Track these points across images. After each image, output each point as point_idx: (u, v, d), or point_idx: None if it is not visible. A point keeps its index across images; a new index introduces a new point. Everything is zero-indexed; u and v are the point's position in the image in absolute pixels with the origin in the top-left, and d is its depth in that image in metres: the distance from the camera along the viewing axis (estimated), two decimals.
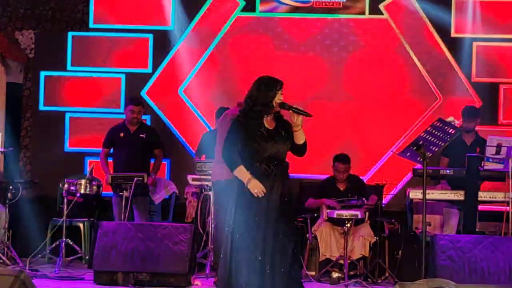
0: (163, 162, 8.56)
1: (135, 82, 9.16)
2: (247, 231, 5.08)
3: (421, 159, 6.01)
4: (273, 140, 5.17)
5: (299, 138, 5.23)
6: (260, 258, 5.04)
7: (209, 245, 7.20)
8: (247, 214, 5.11)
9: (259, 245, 5.06)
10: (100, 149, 8.24)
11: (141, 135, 8.04)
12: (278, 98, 5.20)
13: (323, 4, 9.06)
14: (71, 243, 7.91)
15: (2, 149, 8.22)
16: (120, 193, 7.55)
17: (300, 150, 5.30)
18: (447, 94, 8.89)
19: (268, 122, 5.23)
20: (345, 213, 7.36)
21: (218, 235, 6.84)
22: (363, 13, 9.02)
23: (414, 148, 6.05)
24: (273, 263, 5.05)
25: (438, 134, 6.06)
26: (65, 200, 7.73)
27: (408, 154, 6.25)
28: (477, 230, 7.32)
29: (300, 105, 5.24)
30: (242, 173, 5.12)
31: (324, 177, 8.13)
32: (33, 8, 9.37)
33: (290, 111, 5.15)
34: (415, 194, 7.19)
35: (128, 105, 8.08)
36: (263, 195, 5.07)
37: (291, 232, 5.18)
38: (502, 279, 6.26)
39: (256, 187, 5.07)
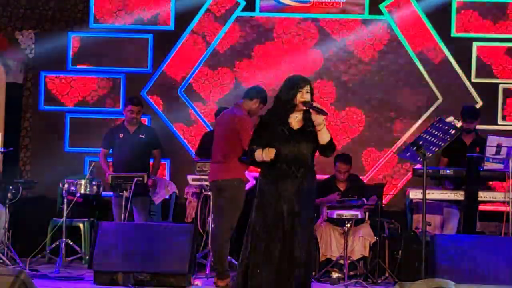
0: (163, 162, 8.57)
1: (135, 82, 9.16)
2: (265, 232, 5.07)
3: (421, 159, 6.01)
4: (294, 140, 5.13)
5: (323, 137, 5.16)
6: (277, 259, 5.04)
7: (209, 245, 7.19)
8: (265, 215, 5.09)
9: (276, 246, 5.04)
10: (99, 149, 8.25)
11: (140, 136, 8.04)
12: (302, 97, 5.15)
13: (323, 4, 9.06)
14: (71, 243, 7.92)
15: (2, 149, 8.22)
16: (120, 193, 7.55)
17: (325, 150, 5.23)
18: (447, 94, 8.89)
19: (295, 122, 5.19)
20: (345, 213, 7.36)
21: (215, 235, 6.83)
22: (363, 13, 9.02)
23: (414, 148, 6.05)
24: (283, 267, 5.04)
25: (438, 134, 6.05)
26: (65, 200, 7.73)
27: (408, 154, 6.25)
28: (477, 230, 7.32)
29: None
30: (257, 153, 5.11)
31: (324, 177, 8.13)
32: (33, 8, 9.36)
33: (311, 110, 5.13)
34: (415, 194, 7.19)
35: (127, 105, 8.07)
36: (273, 156, 5.04)
37: (303, 236, 5.09)
38: (502, 279, 6.26)
39: (267, 152, 5.04)
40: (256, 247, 5.08)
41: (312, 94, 5.22)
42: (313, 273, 7.51)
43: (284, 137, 5.11)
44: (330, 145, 5.22)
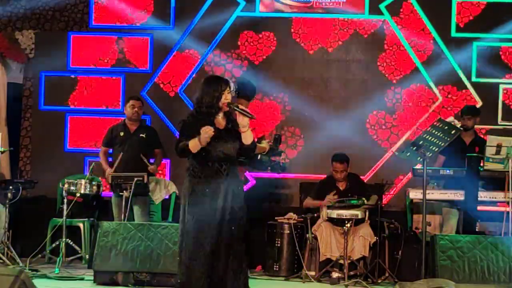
0: (163, 162, 8.56)
1: (135, 82, 9.16)
2: (198, 229, 5.10)
3: (421, 159, 6.01)
4: (223, 140, 5.18)
5: (247, 139, 5.21)
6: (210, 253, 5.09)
7: None
8: (198, 212, 5.13)
9: (210, 241, 5.09)
10: (99, 149, 8.26)
11: (140, 135, 8.04)
12: (225, 98, 5.20)
13: (323, 4, 9.06)
14: (71, 243, 7.92)
15: (2, 149, 8.22)
16: (120, 193, 7.55)
17: (247, 151, 5.29)
18: (447, 94, 8.89)
19: (218, 122, 5.24)
20: (345, 213, 7.36)
21: None
22: (363, 13, 9.02)
23: (414, 148, 6.05)
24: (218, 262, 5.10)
25: (438, 134, 6.06)
26: (65, 200, 7.73)
27: (408, 154, 6.25)
28: (477, 230, 7.33)
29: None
30: (193, 141, 5.09)
31: (324, 177, 8.13)
32: (33, 8, 9.36)
33: (236, 112, 5.15)
34: (415, 194, 7.19)
35: (128, 101, 8.09)
36: (213, 131, 5.05)
37: (239, 230, 5.18)
38: (502, 279, 6.26)
39: (206, 130, 5.04)
40: (192, 246, 5.11)
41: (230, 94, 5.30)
42: (313, 273, 7.53)
43: (214, 137, 5.13)
44: (253, 147, 5.29)
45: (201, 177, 5.20)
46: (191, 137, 5.13)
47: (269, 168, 7.21)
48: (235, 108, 5.16)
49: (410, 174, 8.19)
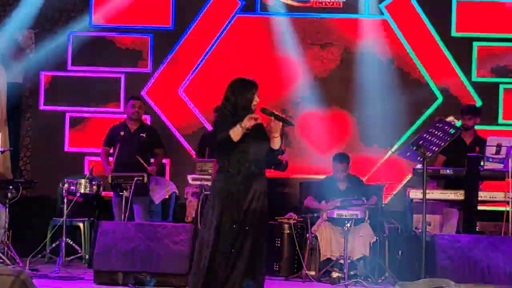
0: (162, 161, 8.56)
1: (135, 82, 9.16)
2: (230, 228, 5.08)
3: (421, 159, 6.01)
4: (257, 142, 5.17)
5: (276, 144, 5.20)
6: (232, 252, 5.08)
7: None
8: (231, 211, 5.10)
9: (241, 240, 5.08)
10: (100, 149, 8.25)
11: (141, 135, 8.04)
12: (256, 101, 5.19)
13: (323, 4, 9.06)
14: (71, 243, 7.92)
15: (2, 149, 8.23)
16: (120, 193, 7.55)
17: (275, 155, 5.28)
18: (447, 94, 8.89)
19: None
20: (345, 213, 7.35)
21: None
22: (363, 13, 9.03)
23: (414, 148, 6.05)
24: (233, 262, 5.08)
25: (438, 134, 6.05)
26: (65, 200, 7.72)
27: (408, 154, 6.25)
28: (477, 230, 7.32)
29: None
30: (235, 128, 5.04)
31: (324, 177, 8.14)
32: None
33: (272, 117, 5.13)
34: (415, 194, 7.18)
35: (129, 101, 8.10)
36: (258, 119, 5.03)
37: (255, 234, 5.15)
38: (502, 279, 6.26)
39: (250, 118, 5.01)
40: (222, 246, 5.09)
41: None
42: (313, 273, 7.53)
43: (248, 137, 5.11)
44: (280, 151, 5.27)
45: (236, 176, 5.14)
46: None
47: (272, 167, 7.20)
48: (271, 113, 5.13)
49: (410, 174, 8.19)
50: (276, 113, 5.15)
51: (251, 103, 5.17)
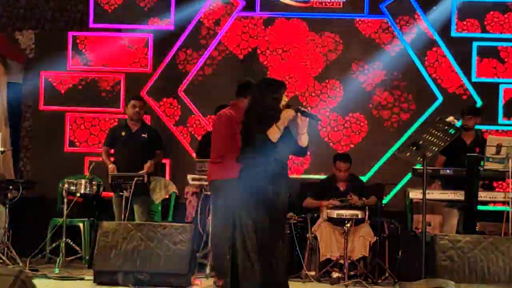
0: (162, 162, 8.56)
1: (135, 82, 9.16)
2: (268, 230, 5.08)
3: (421, 159, 6.00)
4: (284, 143, 5.16)
5: (305, 140, 5.21)
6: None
7: (209, 245, 7.19)
8: (263, 210, 5.08)
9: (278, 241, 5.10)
10: (100, 149, 8.25)
11: (142, 135, 8.03)
12: (284, 100, 5.18)
13: (323, 4, 9.06)
14: (71, 243, 7.92)
15: (2, 149, 8.23)
16: (120, 193, 7.55)
17: (304, 152, 5.31)
18: (447, 94, 8.89)
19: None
20: (345, 213, 7.36)
21: (213, 235, 6.83)
22: (363, 13, 9.03)
23: (414, 148, 6.05)
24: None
25: (438, 134, 6.05)
26: (65, 200, 7.72)
27: (408, 154, 6.25)
28: (477, 230, 7.32)
29: (297, 105, 5.21)
30: (272, 129, 5.05)
31: (324, 177, 8.13)
32: (33, 8, 9.37)
33: (298, 114, 5.12)
34: (415, 194, 7.18)
35: (129, 101, 8.10)
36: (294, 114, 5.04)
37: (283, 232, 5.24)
38: (502, 279, 6.25)
39: (287, 114, 5.02)
40: (263, 245, 5.07)
41: None
42: (313, 273, 7.53)
43: (279, 139, 5.11)
44: (307, 149, 5.29)
45: (266, 175, 5.14)
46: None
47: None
48: (298, 110, 5.12)
49: (410, 174, 8.18)
50: (302, 109, 5.14)
51: (279, 103, 5.15)
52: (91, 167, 7.94)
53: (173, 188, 8.30)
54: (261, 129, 5.10)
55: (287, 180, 5.28)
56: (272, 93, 5.17)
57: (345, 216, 7.33)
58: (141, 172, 7.74)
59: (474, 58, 8.88)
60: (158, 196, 8.09)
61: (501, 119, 8.83)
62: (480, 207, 7.44)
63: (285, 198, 5.26)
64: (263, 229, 5.06)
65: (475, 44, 8.87)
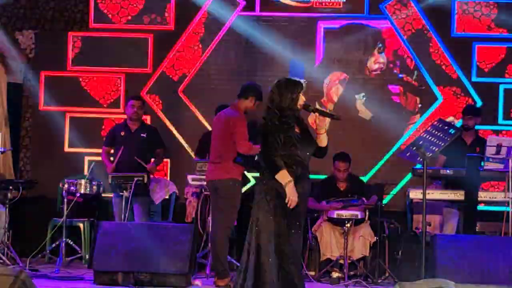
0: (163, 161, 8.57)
1: (135, 82, 9.16)
2: (288, 232, 5.06)
3: (421, 159, 6.01)
4: (304, 144, 5.13)
5: (324, 141, 5.19)
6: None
7: (209, 245, 7.19)
8: (285, 217, 5.05)
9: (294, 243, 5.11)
10: (100, 149, 8.25)
11: (142, 135, 8.03)
12: (301, 100, 5.14)
13: (323, 4, 9.06)
14: (71, 243, 7.92)
15: (2, 149, 8.23)
16: (120, 193, 7.55)
17: (323, 152, 5.28)
18: (447, 94, 8.89)
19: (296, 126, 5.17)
20: (345, 213, 7.36)
21: (213, 235, 6.84)
22: (363, 13, 9.03)
23: (414, 148, 6.05)
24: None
25: (438, 134, 6.05)
26: (65, 200, 7.72)
27: (408, 154, 6.25)
28: (477, 230, 7.32)
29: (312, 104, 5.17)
30: (284, 176, 5.00)
31: (324, 177, 8.13)
32: (33, 8, 9.36)
33: (316, 114, 5.10)
34: (415, 194, 7.18)
35: (128, 101, 8.10)
36: (294, 205, 5.00)
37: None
38: (502, 279, 6.25)
39: (293, 195, 4.98)
40: (283, 248, 5.04)
41: None
42: (313, 273, 7.54)
43: (297, 142, 5.08)
44: (327, 147, 5.26)
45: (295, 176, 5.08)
46: (278, 147, 5.02)
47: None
48: (316, 109, 5.08)
49: (410, 174, 8.18)
50: (321, 109, 5.10)
51: (296, 102, 5.11)
52: (91, 167, 7.95)
53: (173, 188, 8.30)
54: (280, 129, 5.05)
55: (309, 182, 5.24)
56: (290, 93, 5.12)
57: (345, 216, 7.34)
58: (148, 165, 7.73)
59: (474, 58, 8.88)
60: (158, 196, 8.09)
61: (501, 119, 8.82)
62: (480, 207, 7.45)
63: (306, 201, 5.25)
64: (283, 234, 5.03)
65: (475, 44, 8.86)
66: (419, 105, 8.89)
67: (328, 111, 5.12)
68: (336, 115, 5.14)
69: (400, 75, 8.92)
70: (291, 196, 4.98)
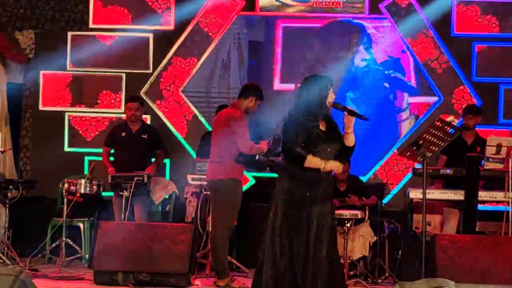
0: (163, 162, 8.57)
1: (135, 82, 9.16)
2: (296, 234, 5.00)
3: (421, 159, 6.01)
4: (328, 142, 5.08)
5: (351, 140, 5.14)
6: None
7: (209, 245, 7.19)
8: (296, 216, 5.01)
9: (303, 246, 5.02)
10: (100, 149, 8.25)
11: (142, 136, 8.02)
12: (331, 97, 5.09)
13: (323, 3, 9.06)
14: (71, 243, 7.92)
15: (3, 149, 8.23)
16: (120, 193, 7.55)
17: (349, 152, 5.23)
18: (447, 94, 8.89)
19: (321, 124, 5.11)
20: (345, 213, 7.35)
21: (213, 235, 6.84)
22: (363, 12, 9.03)
23: (414, 148, 6.05)
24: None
25: (438, 134, 6.05)
26: (65, 200, 7.72)
27: (408, 154, 6.25)
28: (477, 230, 7.32)
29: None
30: (314, 160, 4.96)
31: None
32: (33, 8, 9.36)
33: (345, 112, 5.06)
34: (415, 194, 7.18)
35: (126, 103, 8.10)
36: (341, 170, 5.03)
37: (329, 236, 5.09)
38: (502, 279, 6.25)
39: (335, 165, 4.98)
40: (288, 249, 5.03)
41: None
42: None
43: (320, 140, 5.04)
44: (354, 147, 5.20)
45: (304, 180, 5.04)
46: (304, 144, 4.97)
47: (267, 168, 7.19)
48: (345, 108, 5.05)
49: (410, 174, 8.19)
50: (349, 108, 5.07)
51: (326, 99, 5.04)
52: (91, 167, 7.94)
53: (173, 188, 8.30)
54: (303, 125, 5.00)
55: (331, 185, 5.20)
56: (319, 89, 5.06)
57: (345, 216, 7.33)
58: (148, 168, 7.74)
59: (474, 58, 8.88)
60: (158, 196, 8.09)
61: (501, 119, 8.82)
62: (480, 207, 7.45)
63: (329, 204, 5.16)
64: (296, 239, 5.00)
65: (475, 44, 8.86)
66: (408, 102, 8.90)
67: (356, 111, 5.07)
68: (364, 116, 5.11)
69: (393, 73, 8.92)
70: (336, 166, 4.99)
